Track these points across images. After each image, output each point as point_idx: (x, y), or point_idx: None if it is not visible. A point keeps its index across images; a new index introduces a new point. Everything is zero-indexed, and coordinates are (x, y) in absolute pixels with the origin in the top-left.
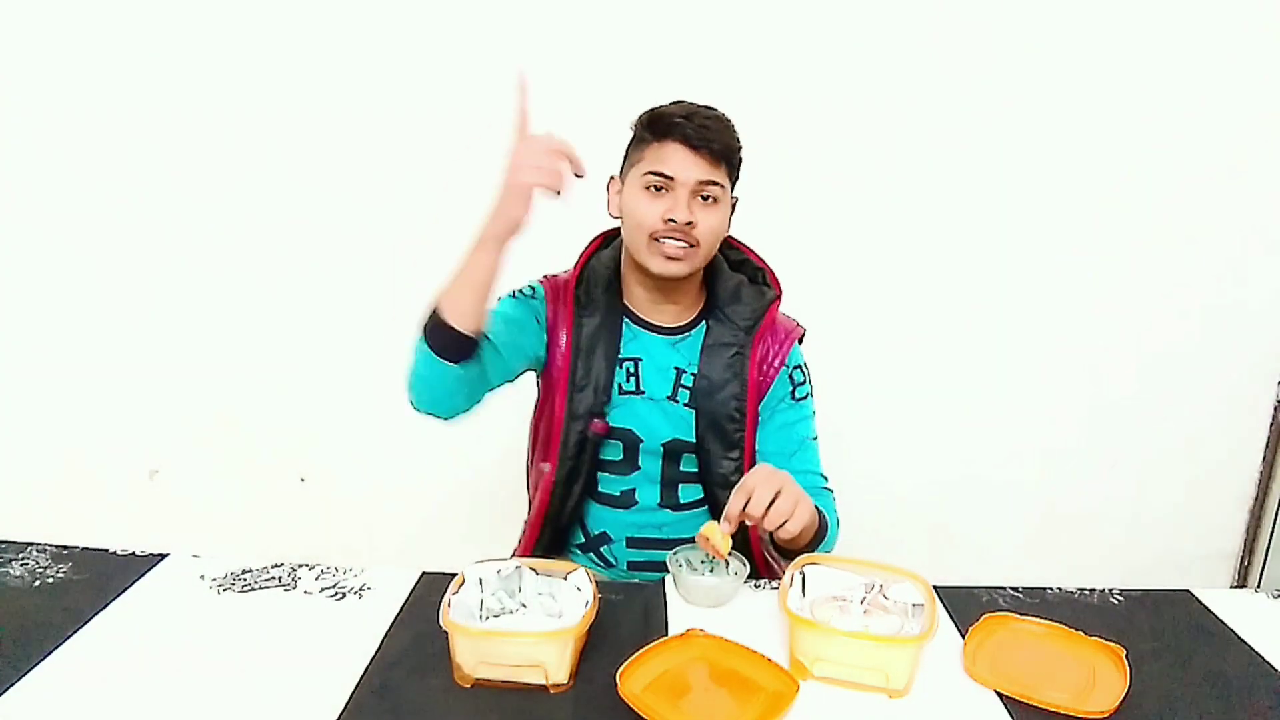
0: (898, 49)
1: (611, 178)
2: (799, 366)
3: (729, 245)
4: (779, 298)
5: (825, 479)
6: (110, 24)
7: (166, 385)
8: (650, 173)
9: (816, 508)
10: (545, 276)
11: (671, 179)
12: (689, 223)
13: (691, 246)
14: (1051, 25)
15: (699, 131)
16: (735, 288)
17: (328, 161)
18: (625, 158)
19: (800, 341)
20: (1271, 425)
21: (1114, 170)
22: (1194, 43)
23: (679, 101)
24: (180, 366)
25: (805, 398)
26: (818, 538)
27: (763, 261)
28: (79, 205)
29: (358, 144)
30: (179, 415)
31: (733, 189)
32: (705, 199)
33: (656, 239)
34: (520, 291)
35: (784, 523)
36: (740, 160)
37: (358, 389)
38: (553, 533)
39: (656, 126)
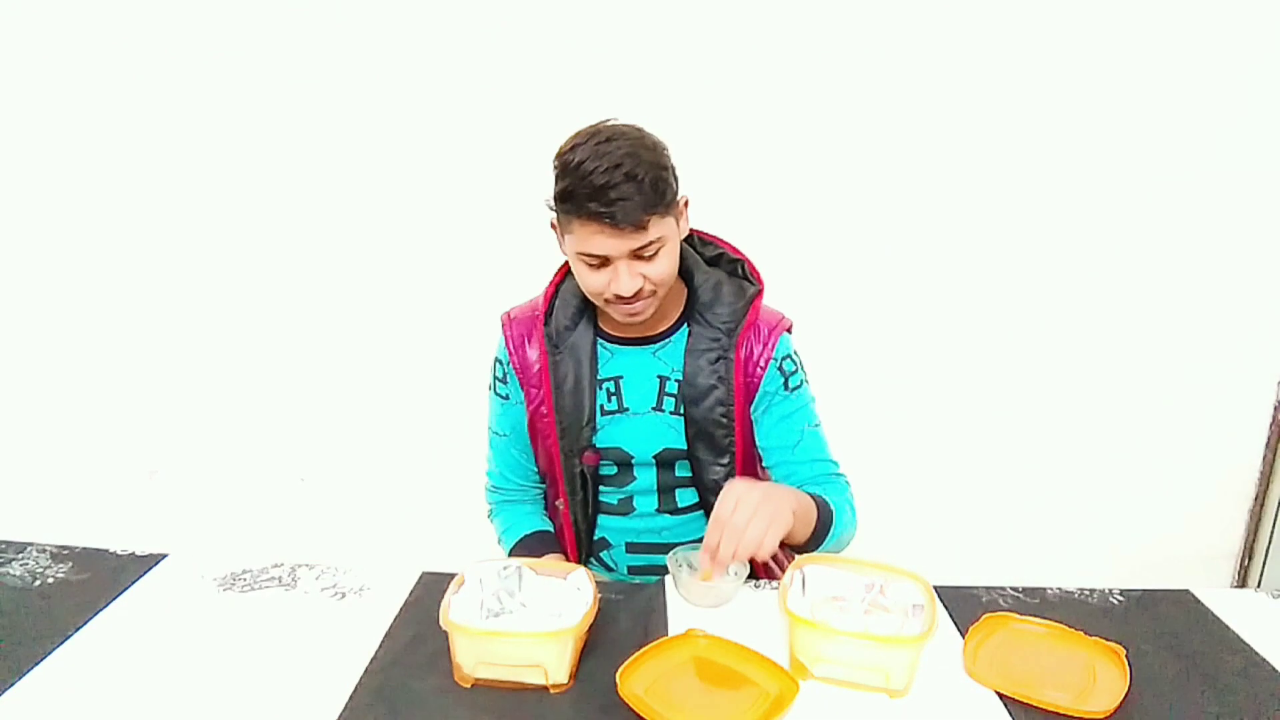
0: (882, 35)
1: (552, 223)
2: (788, 356)
3: (701, 241)
4: (760, 292)
5: (835, 464)
6: (111, 24)
7: (166, 385)
8: (581, 253)
9: (816, 498)
10: (508, 314)
11: (604, 258)
12: (637, 289)
13: (647, 298)
14: (1049, 17)
15: (616, 209)
16: (714, 286)
17: (327, 162)
18: (555, 209)
19: (789, 332)
20: (1271, 425)
21: (1113, 167)
22: (1194, 43)
23: (591, 137)
24: (180, 366)
25: (799, 386)
26: (821, 528)
27: (739, 252)
28: (79, 206)
29: (357, 145)
30: (179, 415)
31: (675, 205)
32: (646, 257)
33: (610, 302)
34: (496, 378)
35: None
36: (673, 181)
37: (358, 389)
38: (586, 551)
39: (571, 206)
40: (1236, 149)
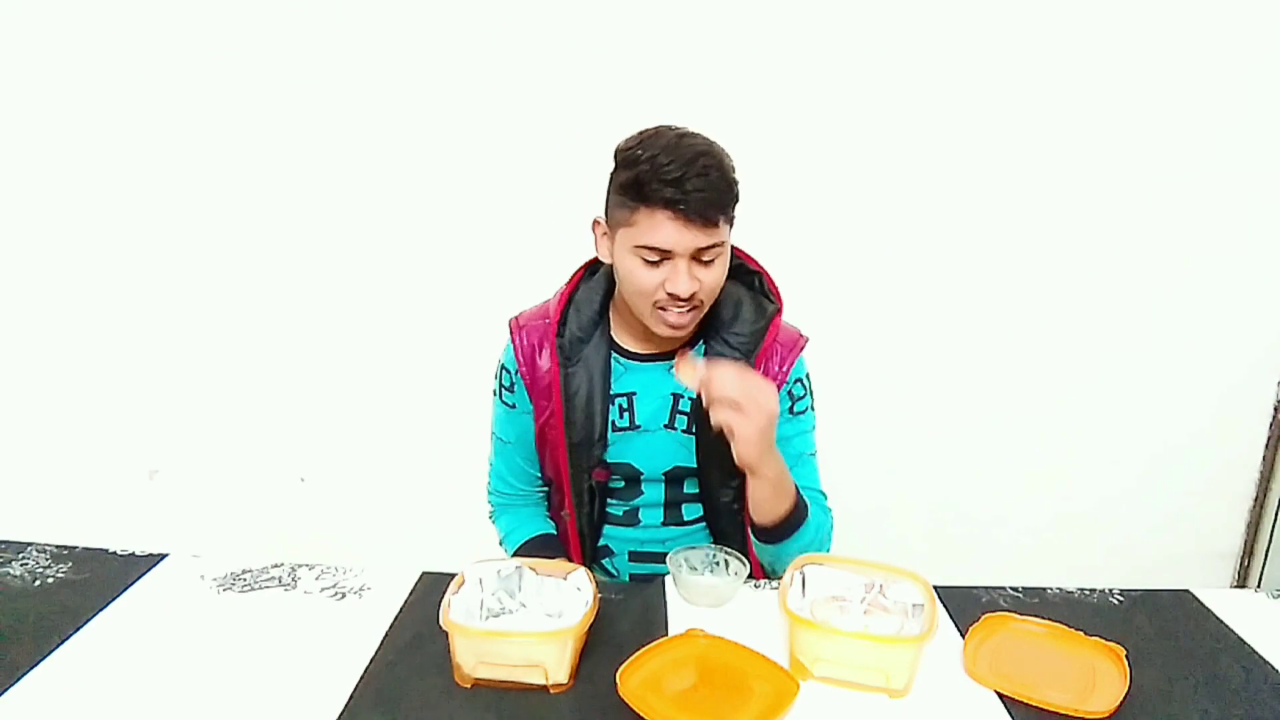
0: (901, 49)
1: (596, 220)
2: (799, 380)
3: None
4: (779, 311)
5: (825, 495)
6: (111, 24)
7: (166, 385)
8: (643, 246)
9: (802, 500)
10: (516, 320)
11: (668, 252)
12: (693, 291)
13: (696, 307)
14: (1052, 27)
15: (691, 200)
16: (735, 304)
17: (327, 162)
18: (608, 201)
19: (803, 351)
20: (1271, 425)
21: (1114, 171)
22: (1194, 42)
23: (663, 133)
24: (180, 367)
25: (804, 411)
26: (793, 522)
27: (759, 266)
28: (79, 206)
29: (357, 144)
30: (179, 415)
31: (733, 216)
32: (706, 261)
33: (660, 307)
34: (503, 385)
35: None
36: (739, 194)
37: (358, 389)
38: (589, 559)
39: (642, 192)
40: (1236, 149)
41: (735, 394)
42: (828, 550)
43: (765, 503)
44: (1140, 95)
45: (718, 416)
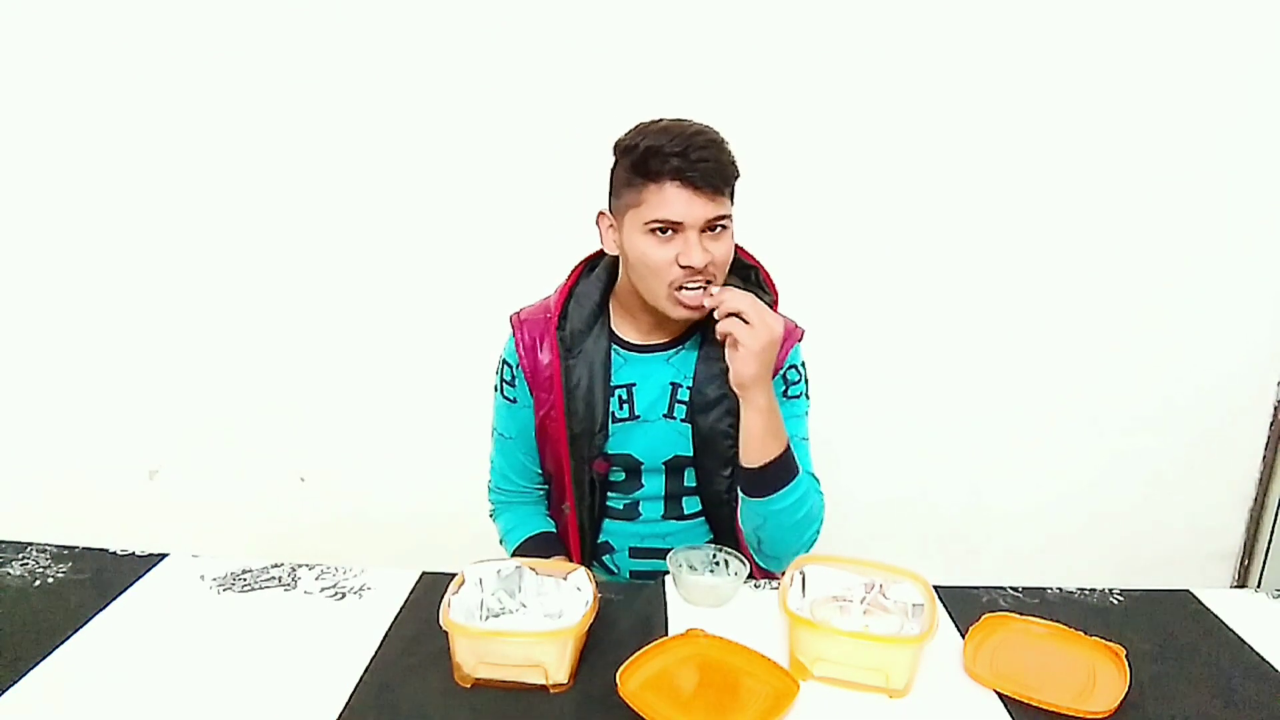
0: (897, 44)
1: (601, 213)
2: (794, 367)
3: None
4: (775, 304)
5: (817, 480)
6: (110, 24)
7: (166, 385)
8: (654, 220)
9: (794, 457)
10: (517, 315)
11: (679, 224)
12: (708, 261)
13: (710, 281)
14: (1051, 25)
15: (697, 169)
16: None
17: (327, 162)
18: (613, 192)
19: (799, 341)
20: (1271, 425)
21: (1115, 169)
22: (1193, 42)
23: (657, 121)
24: (180, 367)
25: (798, 396)
26: (782, 472)
27: (754, 259)
28: (79, 206)
29: (357, 144)
30: (179, 415)
31: (734, 195)
32: (715, 230)
33: (676, 286)
34: (504, 380)
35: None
36: (739, 170)
37: (357, 389)
38: (589, 555)
39: (649, 168)
40: (1236, 149)
41: (745, 307)
42: (818, 528)
43: (755, 438)
44: (1140, 96)
45: (724, 327)
